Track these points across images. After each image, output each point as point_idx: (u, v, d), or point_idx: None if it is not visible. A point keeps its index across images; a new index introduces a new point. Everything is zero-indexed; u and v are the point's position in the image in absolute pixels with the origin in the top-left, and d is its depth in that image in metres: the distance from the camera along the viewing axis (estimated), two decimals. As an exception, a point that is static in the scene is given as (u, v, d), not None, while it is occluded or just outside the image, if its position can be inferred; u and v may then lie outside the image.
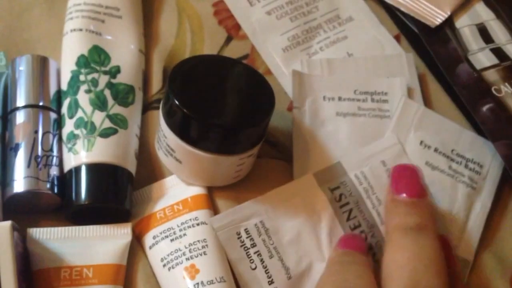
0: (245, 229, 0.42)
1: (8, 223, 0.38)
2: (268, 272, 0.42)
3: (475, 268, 0.45)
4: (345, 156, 0.45)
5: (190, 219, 0.43)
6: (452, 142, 0.47)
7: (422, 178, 0.42)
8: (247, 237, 0.42)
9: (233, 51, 0.51)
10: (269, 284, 0.41)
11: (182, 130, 0.41)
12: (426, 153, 0.46)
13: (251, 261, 0.42)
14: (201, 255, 0.41)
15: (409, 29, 0.52)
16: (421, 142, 0.46)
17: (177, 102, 0.40)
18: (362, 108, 0.47)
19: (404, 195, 0.41)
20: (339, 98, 0.48)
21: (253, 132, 0.42)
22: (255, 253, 0.42)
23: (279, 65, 0.51)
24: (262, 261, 0.42)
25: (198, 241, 0.42)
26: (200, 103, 0.41)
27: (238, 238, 0.42)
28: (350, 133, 0.47)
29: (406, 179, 0.41)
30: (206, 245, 0.42)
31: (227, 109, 0.42)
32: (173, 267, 0.41)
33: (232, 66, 0.44)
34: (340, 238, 0.42)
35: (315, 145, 0.46)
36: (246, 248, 0.42)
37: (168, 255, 0.42)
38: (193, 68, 0.43)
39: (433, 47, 0.50)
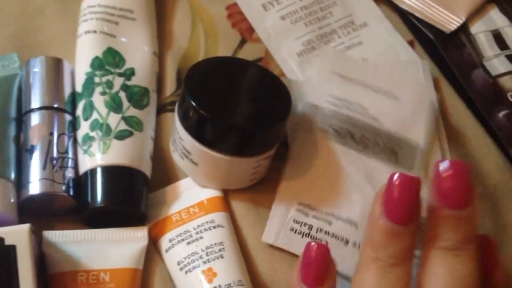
0: (294, 220, 0.43)
1: (26, 226, 0.37)
2: (340, 236, 0.43)
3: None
4: (306, 94, 0.47)
5: (207, 222, 0.42)
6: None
7: (471, 179, 0.35)
8: (300, 226, 0.43)
9: (247, 54, 0.51)
10: (346, 244, 0.43)
11: (198, 132, 0.41)
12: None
13: (317, 239, 0.43)
14: (218, 258, 0.41)
15: (423, 35, 0.52)
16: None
17: (193, 104, 0.40)
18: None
19: (447, 204, 0.35)
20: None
21: (271, 133, 0.42)
22: (317, 231, 0.43)
23: (294, 70, 0.50)
24: (327, 233, 0.43)
25: (215, 244, 0.42)
26: (217, 105, 0.41)
27: (295, 232, 0.43)
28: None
29: (451, 183, 0.35)
30: (223, 248, 0.41)
31: (244, 111, 0.42)
32: (190, 271, 0.41)
33: (248, 68, 0.44)
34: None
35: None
36: (307, 235, 0.43)
37: (184, 259, 0.41)
38: (209, 69, 0.43)
39: (448, 53, 0.50)
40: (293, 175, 0.45)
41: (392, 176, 0.35)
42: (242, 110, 0.42)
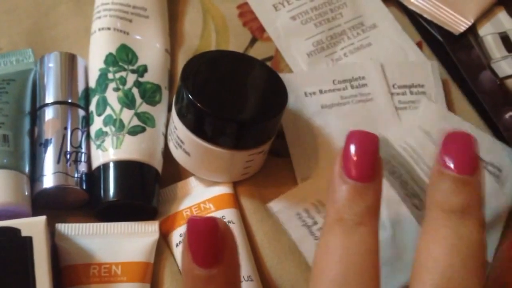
0: (305, 209, 0.45)
1: (43, 218, 0.38)
2: None
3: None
4: (388, 131, 0.47)
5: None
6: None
7: (477, 148, 0.35)
8: (307, 216, 0.44)
9: (258, 52, 0.52)
10: None
11: (191, 122, 0.42)
12: None
13: (315, 238, 0.43)
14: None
15: (431, 36, 0.53)
16: None
17: (188, 95, 0.41)
18: (344, 97, 0.49)
19: (452, 167, 0.34)
20: (320, 91, 0.49)
21: (264, 128, 0.42)
22: (318, 230, 0.44)
23: (303, 70, 0.51)
24: None
25: (226, 240, 0.42)
26: (211, 95, 0.41)
27: (299, 218, 0.44)
28: (339, 123, 0.48)
29: (457, 148, 0.34)
30: (234, 244, 0.42)
31: (238, 103, 0.42)
32: (201, 266, 0.41)
33: (245, 62, 0.45)
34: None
35: (310, 142, 0.47)
36: (308, 226, 0.44)
37: (195, 254, 0.42)
38: (206, 62, 0.44)
39: (456, 54, 0.51)
40: (318, 175, 0.46)
41: (349, 134, 0.35)
42: (235, 103, 0.42)
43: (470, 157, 0.34)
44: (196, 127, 0.42)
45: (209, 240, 0.32)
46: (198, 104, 0.40)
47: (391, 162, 0.46)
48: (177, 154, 0.45)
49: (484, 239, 0.34)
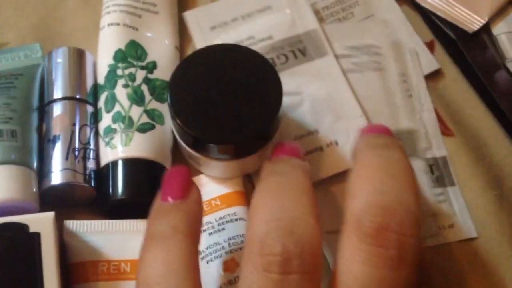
0: None
1: (51, 214, 0.37)
2: None
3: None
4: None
5: (229, 214, 0.43)
6: (344, 41, 0.50)
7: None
8: None
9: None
10: None
11: (191, 144, 0.41)
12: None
13: None
14: (240, 249, 0.41)
15: (445, 35, 0.52)
16: None
17: (181, 125, 0.40)
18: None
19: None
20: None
21: (264, 132, 0.41)
22: None
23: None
24: None
25: (237, 235, 0.42)
26: (203, 119, 0.40)
27: None
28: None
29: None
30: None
31: (232, 118, 0.40)
32: (212, 260, 0.41)
33: (235, 54, 0.42)
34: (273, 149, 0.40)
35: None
36: None
37: (206, 248, 0.41)
38: (192, 71, 0.41)
39: (470, 53, 0.50)
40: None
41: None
42: (229, 118, 0.40)
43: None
44: (198, 149, 0.41)
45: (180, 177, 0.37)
46: (193, 134, 0.40)
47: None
48: (192, 163, 0.45)
49: (410, 163, 0.35)
